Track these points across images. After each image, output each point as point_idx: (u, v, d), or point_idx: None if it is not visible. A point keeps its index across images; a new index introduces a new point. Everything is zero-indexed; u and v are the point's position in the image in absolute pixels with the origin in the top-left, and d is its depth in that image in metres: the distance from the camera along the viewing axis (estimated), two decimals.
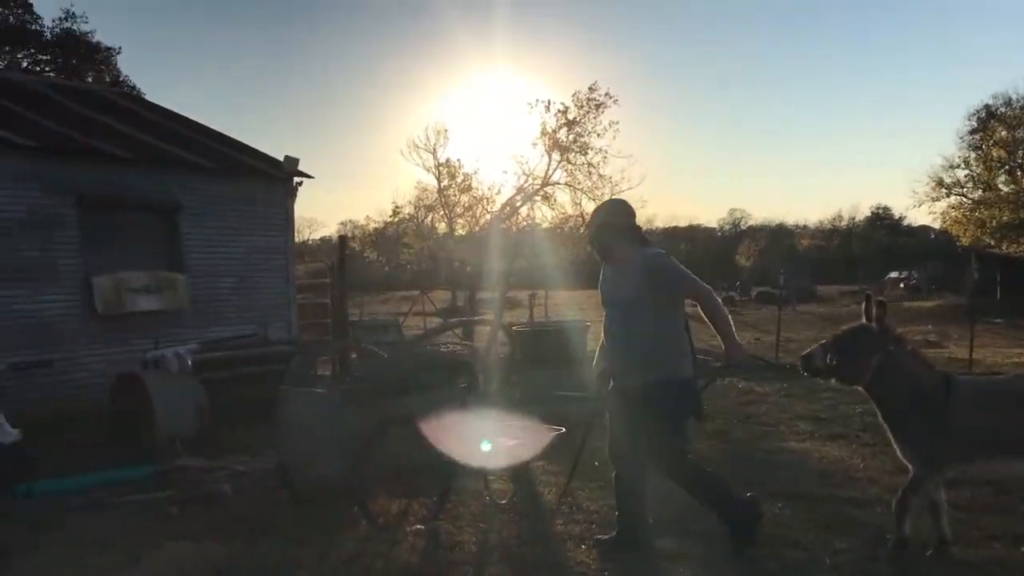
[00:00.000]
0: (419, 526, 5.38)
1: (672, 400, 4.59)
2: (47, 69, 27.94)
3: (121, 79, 28.99)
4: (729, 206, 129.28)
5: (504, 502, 5.84)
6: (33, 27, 27.85)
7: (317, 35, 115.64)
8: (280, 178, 13.50)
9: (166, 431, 7.87)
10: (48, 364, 10.04)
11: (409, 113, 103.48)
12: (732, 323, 4.65)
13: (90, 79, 27.34)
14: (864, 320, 4.72)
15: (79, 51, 28.26)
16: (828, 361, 4.75)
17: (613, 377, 4.85)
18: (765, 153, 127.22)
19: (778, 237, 79.55)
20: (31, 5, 27.64)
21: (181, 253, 11.82)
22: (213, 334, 11.42)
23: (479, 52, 78.21)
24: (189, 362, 8.59)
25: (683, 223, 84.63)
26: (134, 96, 20.51)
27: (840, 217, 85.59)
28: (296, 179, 13.74)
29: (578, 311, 23.91)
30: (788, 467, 6.96)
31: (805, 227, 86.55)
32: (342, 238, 14.98)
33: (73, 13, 28.44)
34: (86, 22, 29.23)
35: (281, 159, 13.73)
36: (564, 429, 5.86)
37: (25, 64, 27.95)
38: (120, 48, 31.43)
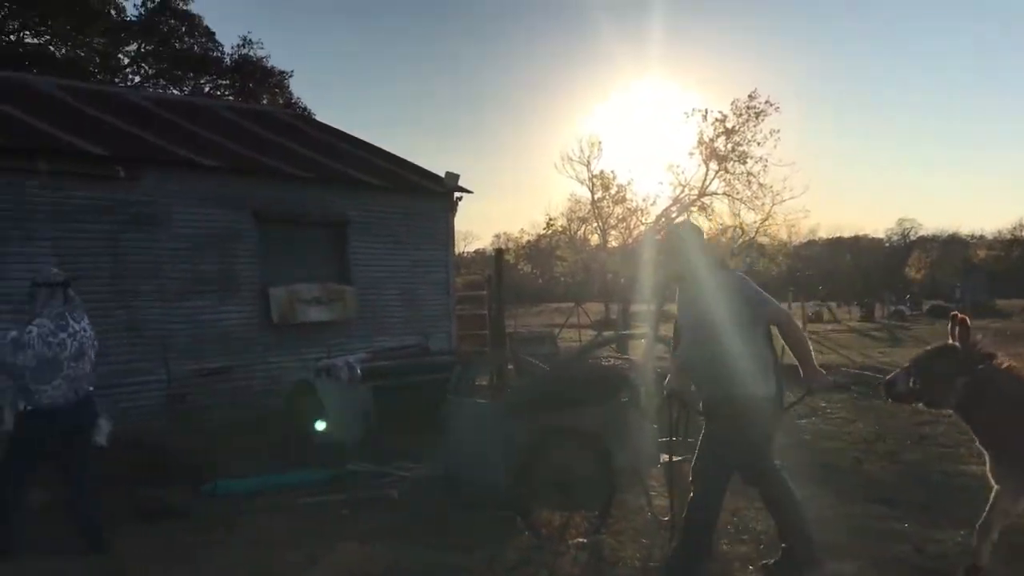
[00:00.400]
0: (582, 539, 5.40)
1: (750, 418, 4.49)
2: (226, 93, 29.85)
3: (293, 100, 30.58)
4: (897, 216, 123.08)
5: (667, 519, 5.77)
6: (214, 54, 29.88)
7: (471, 51, 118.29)
8: (441, 193, 13.89)
9: (338, 436, 8.21)
10: (228, 371, 10.70)
11: (562, 124, 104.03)
12: (811, 348, 4.56)
13: (265, 101, 29.00)
14: (949, 340, 4.41)
15: (255, 75, 30.03)
16: (911, 385, 4.44)
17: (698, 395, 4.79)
18: (936, 160, 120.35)
19: (951, 248, 75.08)
20: (214, 34, 29.68)
21: (349, 266, 12.33)
22: (378, 344, 11.85)
23: (633, 61, 78.07)
24: (358, 371, 8.93)
25: (848, 233, 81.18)
26: (305, 117, 21.58)
27: (1021, 226, 79.93)
28: (456, 194, 14.10)
29: None
30: (968, 491, 6.56)
31: (981, 237, 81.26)
32: (499, 251, 15.24)
33: (250, 40, 30.25)
34: (262, 47, 31.05)
35: (437, 172, 14.15)
36: None
37: (207, 89, 29.97)
38: (292, 71, 33.23)
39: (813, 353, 4.54)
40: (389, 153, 16.00)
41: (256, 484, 7.37)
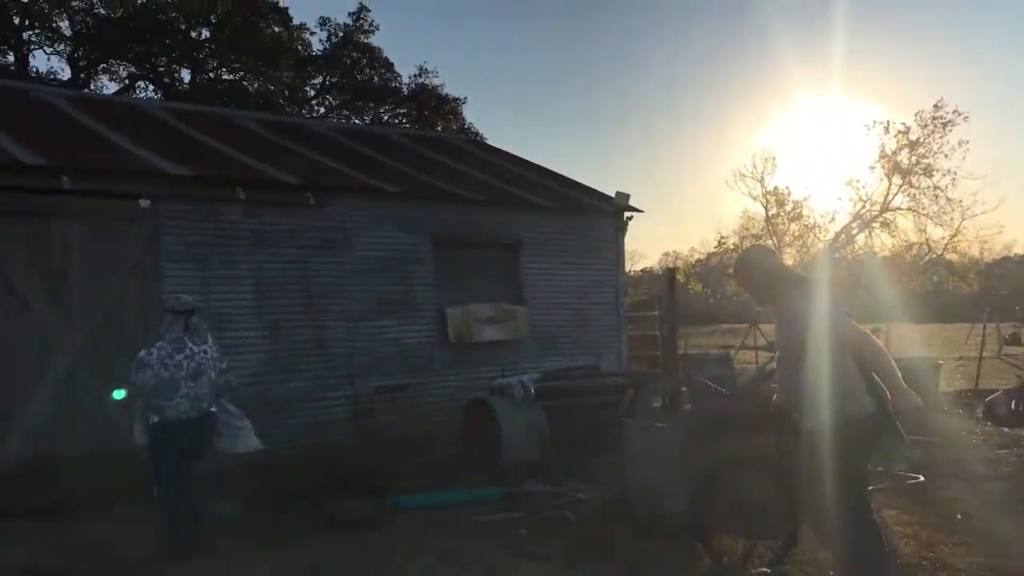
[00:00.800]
0: (764, 570, 5.25)
1: (840, 441, 4.40)
2: (404, 121, 31.10)
3: (466, 126, 31.50)
4: None
5: None
6: (393, 84, 31.23)
7: (636, 70, 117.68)
8: (611, 213, 13.90)
9: (513, 455, 8.34)
10: (406, 388, 11.09)
11: (732, 139, 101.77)
12: (896, 370, 4.41)
13: (439, 127, 30.00)
14: None
15: (431, 103, 31.13)
16: (1014, 408, 4.06)
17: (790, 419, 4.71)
18: None
19: None
20: (392, 65, 31.04)
21: (522, 286, 12.53)
22: (549, 364, 11.97)
23: (808, 72, 75.27)
24: (532, 390, 9.04)
25: None
26: (477, 141, 22.19)
27: None
28: (626, 213, 14.08)
29: (926, 348, 22.06)
30: None
31: None
32: (671, 270, 15.03)
33: (426, 69, 31.42)
34: (436, 76, 32.15)
35: (604, 190, 14.17)
36: (921, 477, 5.45)
37: (386, 117, 31.34)
38: (465, 98, 34.23)
39: (898, 373, 4.40)
40: (559, 174, 16.19)
41: (436, 499, 7.60)
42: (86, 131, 11.15)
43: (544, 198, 13.49)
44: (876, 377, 4.48)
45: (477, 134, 29.61)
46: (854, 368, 4.48)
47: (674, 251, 63.12)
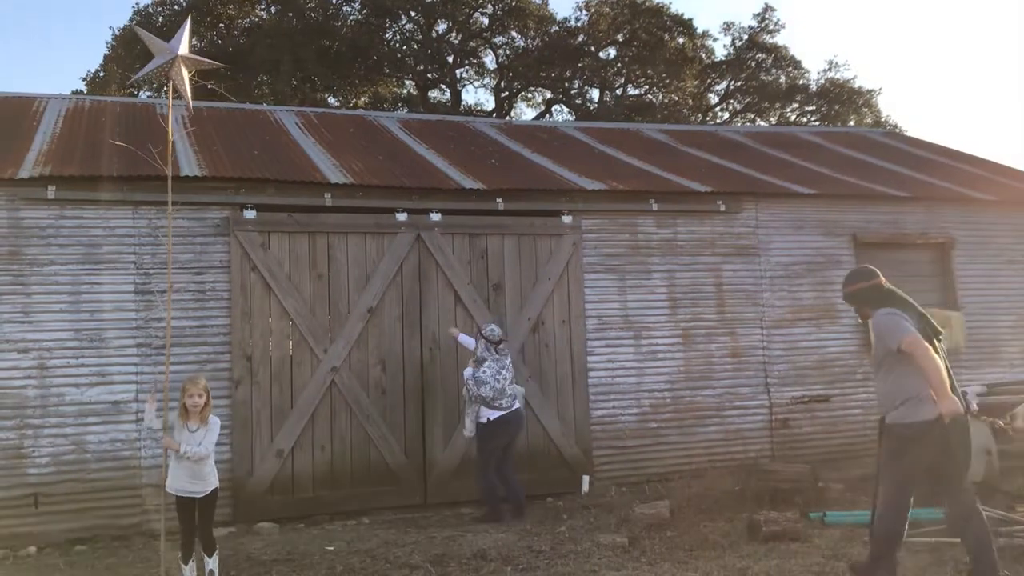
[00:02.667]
0: None
1: (898, 443, 5.16)
2: (812, 119, 29.91)
3: (882, 119, 29.49)
4: None
5: None
6: (800, 82, 30.18)
7: None
8: None
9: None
10: (826, 399, 10.59)
11: None
12: (943, 376, 4.97)
13: (852, 122, 28.40)
14: None
15: (841, 97, 29.59)
16: None
17: None
18: None
19: None
20: (799, 62, 30.02)
21: (956, 289, 11.40)
22: (991, 376, 10.73)
23: None
24: (974, 405, 8.16)
25: None
26: (896, 133, 20.62)
27: None
28: None
29: None
30: None
31: None
32: None
33: (836, 63, 30.03)
34: (848, 69, 30.57)
35: None
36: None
37: (792, 117, 30.37)
38: (880, 89, 32.09)
39: (945, 380, 4.98)
40: (993, 163, 14.51)
41: (864, 516, 7.15)
42: (514, 155, 12.19)
43: (979, 191, 12.16)
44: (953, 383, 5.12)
45: (895, 126, 27.55)
46: (907, 379, 5.10)
47: None
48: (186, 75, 6.35)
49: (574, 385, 9.82)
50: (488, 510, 8.31)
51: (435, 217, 9.57)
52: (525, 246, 9.88)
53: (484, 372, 8.24)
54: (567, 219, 10.04)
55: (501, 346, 8.48)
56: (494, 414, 8.23)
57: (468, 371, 8.40)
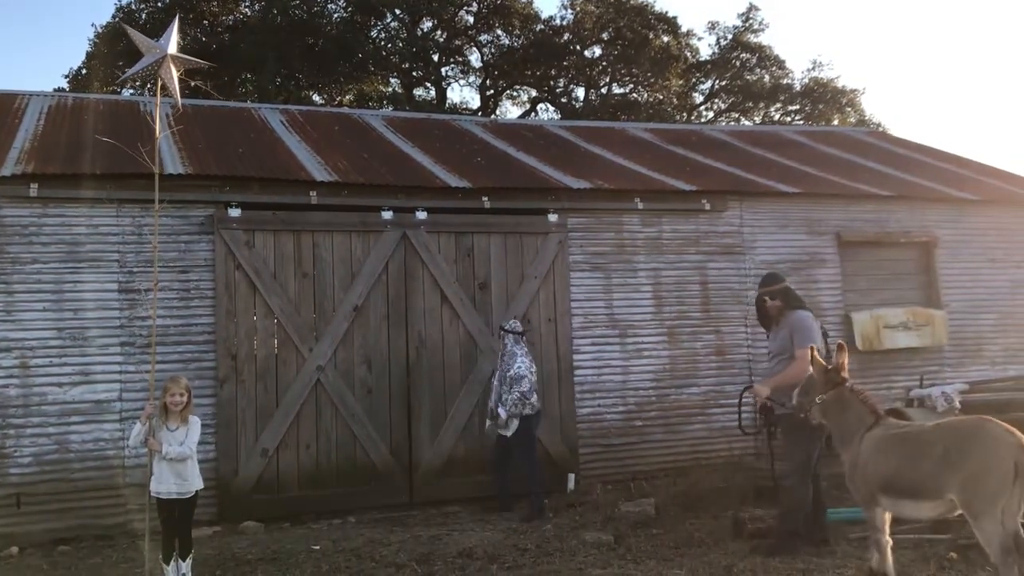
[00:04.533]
0: None
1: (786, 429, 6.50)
2: (796, 118, 30.03)
3: (866, 118, 29.65)
4: None
5: None
6: (784, 81, 30.31)
7: None
8: None
9: None
10: None
11: None
12: (780, 377, 6.37)
13: (835, 122, 28.54)
14: None
15: (825, 97, 29.72)
16: None
17: None
18: None
19: None
20: (783, 62, 30.14)
21: (938, 289, 11.47)
22: (973, 374, 10.82)
23: None
24: (957, 402, 8.21)
25: None
26: (880, 133, 20.70)
27: None
28: None
29: None
30: None
31: None
32: None
33: (820, 63, 30.18)
34: (831, 69, 30.73)
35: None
36: None
37: (776, 116, 30.48)
38: (864, 89, 32.25)
39: (778, 379, 6.38)
40: (978, 163, 14.61)
41: (855, 514, 7.18)
42: (499, 154, 12.18)
43: (963, 190, 12.25)
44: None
45: (879, 126, 27.70)
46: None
47: None
48: (175, 74, 6.32)
49: (560, 383, 9.82)
50: (534, 505, 8.26)
51: (421, 215, 9.55)
52: (511, 244, 9.88)
53: (520, 367, 8.45)
54: (553, 217, 10.04)
55: (524, 337, 8.79)
56: (537, 404, 8.53)
57: (524, 364, 8.52)
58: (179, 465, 5.92)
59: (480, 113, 28.36)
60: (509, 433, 8.46)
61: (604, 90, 30.19)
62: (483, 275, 9.75)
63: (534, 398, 8.48)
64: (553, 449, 9.63)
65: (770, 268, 8.58)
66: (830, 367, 5.60)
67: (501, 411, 8.44)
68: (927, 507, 4.98)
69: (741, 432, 7.31)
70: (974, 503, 4.65)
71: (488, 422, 8.78)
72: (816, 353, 5.75)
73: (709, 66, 30.62)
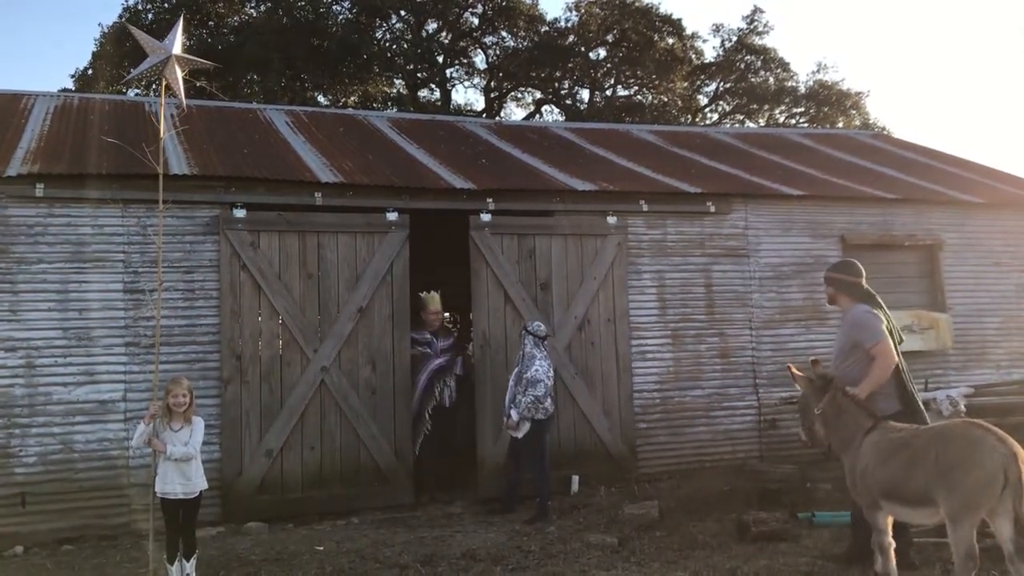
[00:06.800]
0: None
1: None
2: (801, 120, 30.00)
3: (870, 121, 29.63)
4: None
5: None
6: (788, 83, 30.29)
7: None
8: None
9: None
10: None
11: None
12: (874, 379, 5.59)
13: (840, 124, 28.50)
14: None
15: (830, 100, 29.70)
16: None
17: None
18: None
19: None
20: (788, 64, 30.12)
21: (943, 292, 11.46)
22: (978, 378, 10.82)
23: None
24: (961, 405, 8.22)
25: None
26: (885, 135, 20.70)
27: None
28: None
29: None
30: None
31: None
32: None
33: (825, 65, 30.14)
34: (836, 71, 30.73)
35: None
36: None
37: (781, 119, 30.45)
38: (868, 91, 32.20)
39: (870, 384, 5.58)
40: (983, 166, 14.59)
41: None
42: (504, 155, 12.18)
43: (968, 193, 12.23)
44: (909, 383, 5.82)
45: (883, 128, 27.67)
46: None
47: None
48: (180, 74, 6.33)
49: (619, 383, 9.93)
50: (542, 508, 8.23)
51: (485, 217, 9.66)
52: (571, 247, 10.00)
53: (538, 371, 8.35)
54: (612, 219, 10.20)
55: (546, 342, 8.74)
56: (551, 409, 8.46)
57: (542, 368, 8.39)
58: (184, 465, 5.94)
59: (485, 115, 28.35)
60: (520, 435, 8.41)
61: (609, 92, 30.18)
62: (544, 276, 9.85)
63: (548, 403, 8.37)
64: (614, 449, 9.78)
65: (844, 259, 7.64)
66: (814, 377, 5.59)
67: (513, 412, 8.36)
68: (924, 513, 5.00)
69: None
70: (953, 508, 4.70)
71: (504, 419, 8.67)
72: (794, 368, 5.76)
73: (714, 68, 30.59)
